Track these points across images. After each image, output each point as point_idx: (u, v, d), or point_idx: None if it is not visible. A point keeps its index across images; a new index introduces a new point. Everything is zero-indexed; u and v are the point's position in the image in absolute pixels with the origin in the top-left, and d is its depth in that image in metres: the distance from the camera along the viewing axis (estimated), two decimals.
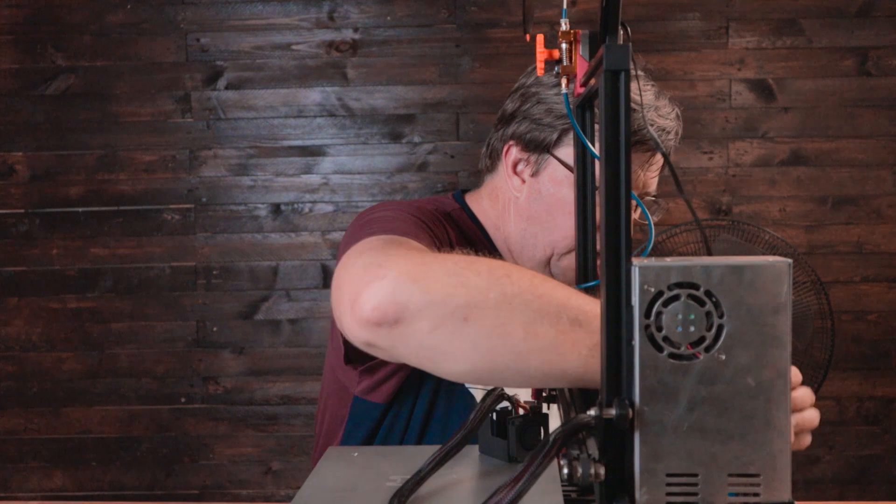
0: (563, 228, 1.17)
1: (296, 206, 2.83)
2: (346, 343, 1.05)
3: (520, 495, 0.59)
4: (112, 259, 2.85)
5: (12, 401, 2.87)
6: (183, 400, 2.85)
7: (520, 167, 1.21)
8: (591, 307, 0.79)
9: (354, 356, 1.10)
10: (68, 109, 2.83)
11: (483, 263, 0.81)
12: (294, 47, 2.81)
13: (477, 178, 1.36)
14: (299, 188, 2.83)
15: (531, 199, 1.20)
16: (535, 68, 1.23)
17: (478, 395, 1.20)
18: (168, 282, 2.84)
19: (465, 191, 1.30)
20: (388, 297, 0.78)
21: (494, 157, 1.25)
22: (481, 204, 1.27)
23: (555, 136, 1.16)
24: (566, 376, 0.78)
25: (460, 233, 1.21)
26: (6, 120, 2.84)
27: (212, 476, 2.86)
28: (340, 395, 1.21)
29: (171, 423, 2.85)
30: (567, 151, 1.16)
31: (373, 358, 1.10)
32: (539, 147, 1.18)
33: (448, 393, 1.18)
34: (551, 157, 1.17)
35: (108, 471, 2.87)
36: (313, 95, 2.81)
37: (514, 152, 1.21)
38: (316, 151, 2.82)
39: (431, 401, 1.17)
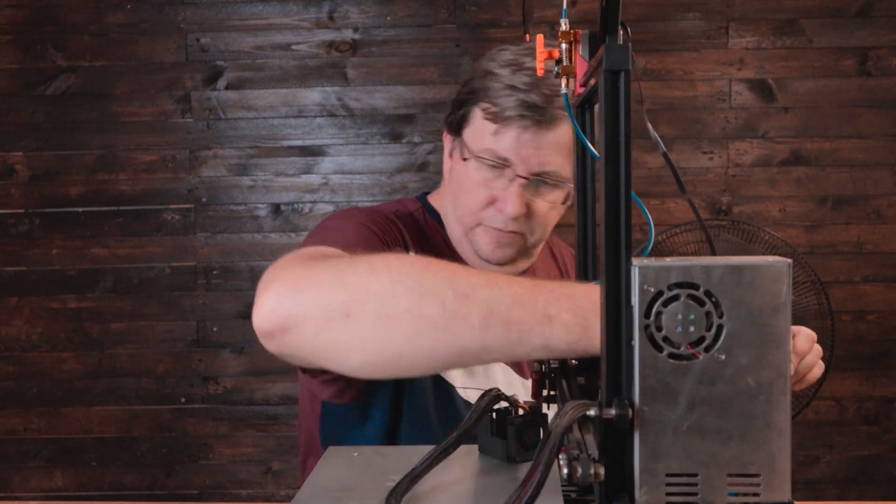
0: (464, 204, 1.21)
1: (296, 206, 2.83)
2: None
3: (538, 488, 0.59)
4: (112, 259, 2.85)
5: (12, 401, 2.86)
6: (183, 400, 2.85)
7: (450, 151, 1.26)
8: (478, 278, 0.80)
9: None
10: (68, 109, 2.83)
11: (365, 261, 0.83)
12: (294, 47, 2.81)
13: None
14: (299, 188, 2.83)
15: (450, 178, 1.25)
16: (495, 66, 1.24)
17: (457, 385, 1.21)
18: (168, 282, 2.84)
19: (427, 192, 1.36)
20: (273, 309, 0.82)
21: (444, 152, 1.31)
22: (442, 199, 1.32)
23: (459, 117, 1.21)
24: (467, 352, 0.78)
25: (419, 230, 1.26)
26: (6, 120, 2.84)
27: (212, 476, 2.86)
28: (311, 403, 1.25)
29: (171, 423, 2.85)
30: (467, 131, 1.20)
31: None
32: (455, 130, 1.23)
33: (415, 388, 1.19)
34: (460, 138, 1.22)
35: (108, 471, 2.87)
36: (313, 95, 2.81)
37: (447, 139, 1.26)
38: (316, 151, 2.82)
39: (396, 397, 1.19)
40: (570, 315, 0.75)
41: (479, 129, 1.18)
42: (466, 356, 0.79)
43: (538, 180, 1.17)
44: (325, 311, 0.80)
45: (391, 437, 1.20)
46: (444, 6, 2.78)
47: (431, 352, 0.79)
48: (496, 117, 1.16)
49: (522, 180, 1.16)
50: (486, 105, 1.17)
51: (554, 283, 0.80)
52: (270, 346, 0.85)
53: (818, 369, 1.12)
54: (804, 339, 1.10)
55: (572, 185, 1.20)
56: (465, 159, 1.21)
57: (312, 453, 1.27)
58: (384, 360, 0.81)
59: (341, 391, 1.16)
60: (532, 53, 1.19)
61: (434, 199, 1.32)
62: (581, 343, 0.75)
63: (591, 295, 0.77)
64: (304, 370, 1.14)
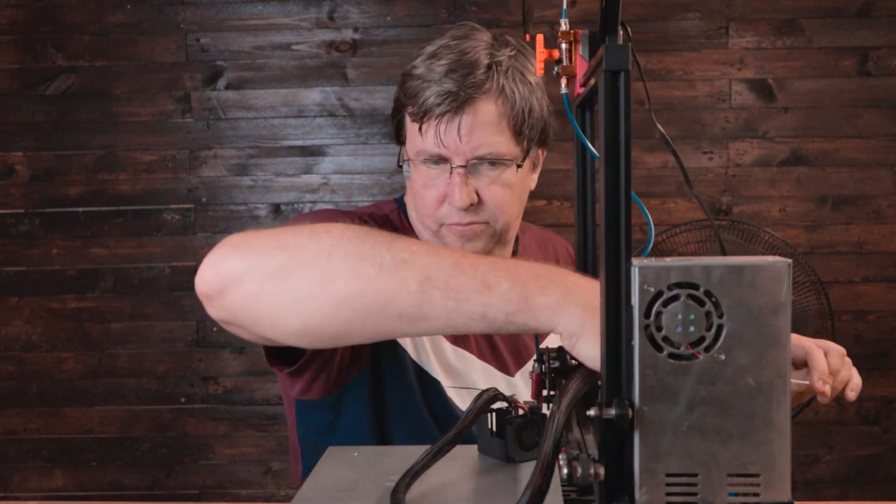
0: (420, 207, 1.20)
1: (296, 206, 2.83)
2: (264, 346, 1.07)
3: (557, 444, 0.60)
4: (112, 259, 2.85)
5: (12, 401, 2.86)
6: (183, 400, 2.85)
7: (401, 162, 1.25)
8: (420, 246, 0.80)
9: (272, 356, 1.12)
10: (68, 109, 2.83)
11: (308, 226, 0.83)
12: (294, 47, 2.81)
13: None
14: (299, 188, 2.83)
15: (407, 184, 1.24)
16: (412, 67, 1.20)
17: (443, 383, 1.20)
18: (168, 282, 2.84)
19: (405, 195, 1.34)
20: (213, 269, 0.83)
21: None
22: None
23: (395, 123, 1.21)
24: (404, 317, 0.77)
25: (392, 231, 1.23)
26: (6, 120, 2.84)
27: (212, 476, 2.86)
28: (288, 405, 1.25)
29: (171, 423, 2.85)
30: (407, 134, 1.19)
31: (291, 359, 1.12)
32: (398, 140, 1.22)
33: (399, 386, 1.18)
34: (404, 146, 1.21)
35: (108, 471, 2.87)
36: (313, 95, 2.81)
37: (399, 148, 1.25)
38: (316, 151, 2.82)
39: (374, 395, 1.18)
40: (509, 284, 0.75)
41: (411, 133, 1.18)
42: (404, 322, 0.78)
43: (476, 164, 1.15)
44: (264, 271, 0.80)
45: (379, 437, 1.19)
46: (444, 6, 2.78)
47: (366, 316, 0.78)
48: (416, 116, 1.14)
49: (460, 169, 1.14)
50: (409, 107, 1.16)
51: (500, 258, 0.80)
52: (212, 311, 0.85)
53: (857, 377, 1.13)
54: (836, 356, 1.11)
55: (520, 158, 1.17)
56: (400, 165, 1.22)
57: (295, 458, 1.27)
58: (319, 324, 0.80)
59: (310, 383, 1.15)
60: (453, 41, 1.17)
61: (409, 201, 1.31)
62: (521, 315, 0.75)
63: (534, 268, 0.77)
64: (270, 362, 1.13)
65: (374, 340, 0.83)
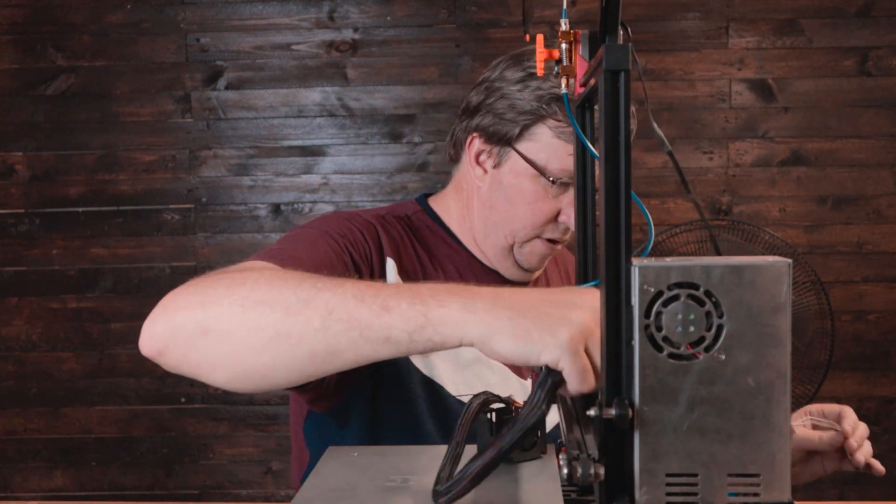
0: (522, 218, 1.20)
1: (296, 206, 2.83)
2: None
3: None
4: (112, 259, 2.84)
5: (12, 401, 2.86)
6: (183, 400, 2.85)
7: (482, 157, 1.24)
8: (326, 282, 0.81)
9: None
10: (68, 109, 2.83)
11: (228, 277, 0.86)
12: (294, 47, 2.81)
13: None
14: (299, 188, 2.83)
15: (493, 189, 1.22)
16: (500, 62, 1.22)
17: (451, 391, 1.20)
18: (168, 282, 2.84)
19: (428, 194, 1.34)
20: (148, 333, 0.87)
21: (458, 148, 1.28)
22: (445, 201, 1.30)
23: (516, 130, 1.19)
24: (316, 356, 0.79)
25: (411, 231, 1.24)
26: (6, 120, 2.84)
27: (212, 476, 2.86)
28: (298, 407, 1.27)
29: (171, 423, 2.85)
30: (528, 146, 1.19)
31: None
32: (501, 140, 1.20)
33: (403, 395, 1.18)
34: (512, 151, 1.20)
35: (108, 471, 2.87)
36: (313, 95, 2.81)
37: (476, 143, 1.23)
38: (316, 151, 2.82)
39: (373, 406, 1.18)
40: (408, 304, 0.76)
41: (552, 148, 1.17)
42: (318, 360, 0.79)
43: None
44: (189, 329, 0.83)
45: (373, 443, 1.19)
46: (444, 6, 2.78)
47: (283, 360, 0.80)
48: (570, 137, 1.15)
49: None
50: (557, 123, 1.16)
51: (409, 284, 0.80)
52: (163, 366, 0.88)
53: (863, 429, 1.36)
54: (863, 427, 1.37)
55: None
56: (478, 161, 1.21)
57: (297, 458, 1.27)
58: (245, 372, 0.83)
59: (317, 400, 1.16)
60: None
61: (437, 203, 1.31)
62: (423, 332, 0.75)
63: (438, 287, 0.78)
64: None
65: (303, 381, 0.84)
